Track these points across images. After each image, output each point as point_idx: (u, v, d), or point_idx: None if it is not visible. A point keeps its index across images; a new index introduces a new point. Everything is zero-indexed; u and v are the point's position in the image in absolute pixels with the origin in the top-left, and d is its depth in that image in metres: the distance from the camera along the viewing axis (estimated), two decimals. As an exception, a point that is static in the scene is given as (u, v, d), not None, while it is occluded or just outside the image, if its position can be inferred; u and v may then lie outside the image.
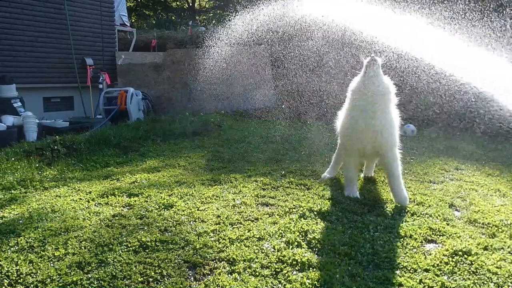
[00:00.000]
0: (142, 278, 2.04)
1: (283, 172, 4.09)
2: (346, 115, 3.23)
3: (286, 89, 9.08)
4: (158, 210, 3.00)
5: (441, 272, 2.12)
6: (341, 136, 3.46)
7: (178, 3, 23.51)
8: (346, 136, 3.32)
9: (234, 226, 2.70)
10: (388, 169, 3.15)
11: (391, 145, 3.10)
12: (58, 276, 2.06)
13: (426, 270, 2.13)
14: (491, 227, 2.72)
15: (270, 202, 3.17)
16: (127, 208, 3.08)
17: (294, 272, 2.10)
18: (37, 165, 4.43)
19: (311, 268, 2.14)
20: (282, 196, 3.30)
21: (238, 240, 2.46)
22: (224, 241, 2.46)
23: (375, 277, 2.06)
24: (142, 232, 2.55)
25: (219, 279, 2.04)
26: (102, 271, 2.09)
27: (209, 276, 2.10)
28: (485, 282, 2.02)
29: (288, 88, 8.96)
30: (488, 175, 4.15)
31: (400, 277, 2.06)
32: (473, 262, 2.20)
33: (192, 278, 2.09)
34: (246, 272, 2.11)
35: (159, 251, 2.33)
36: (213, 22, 19.23)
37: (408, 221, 2.76)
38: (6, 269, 2.13)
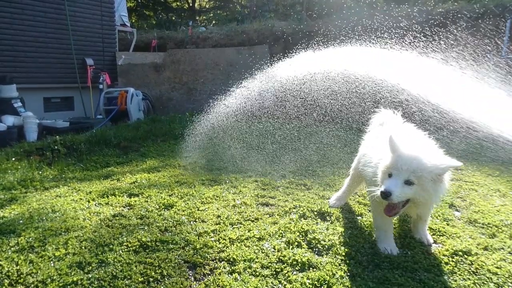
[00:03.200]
0: (142, 278, 2.05)
1: (283, 172, 4.09)
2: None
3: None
4: (158, 210, 3.01)
5: (441, 272, 2.12)
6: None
7: (178, 3, 23.50)
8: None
9: (234, 226, 2.70)
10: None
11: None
12: (58, 276, 2.06)
13: (426, 270, 2.13)
14: (491, 227, 2.72)
15: (270, 202, 3.17)
16: (128, 208, 3.08)
17: (294, 272, 2.10)
18: (37, 165, 4.43)
19: (311, 268, 2.14)
20: (282, 196, 3.31)
21: (238, 240, 2.46)
22: (224, 241, 2.46)
23: (375, 277, 2.07)
24: (143, 232, 2.55)
25: (219, 279, 2.05)
26: (102, 271, 2.10)
27: (209, 276, 2.10)
28: (485, 282, 2.02)
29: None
30: (488, 175, 4.15)
31: (400, 277, 2.06)
32: (473, 262, 2.20)
33: (192, 278, 2.10)
34: (246, 272, 2.11)
35: (159, 251, 2.33)
36: (213, 22, 19.21)
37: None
38: (7, 269, 2.13)
